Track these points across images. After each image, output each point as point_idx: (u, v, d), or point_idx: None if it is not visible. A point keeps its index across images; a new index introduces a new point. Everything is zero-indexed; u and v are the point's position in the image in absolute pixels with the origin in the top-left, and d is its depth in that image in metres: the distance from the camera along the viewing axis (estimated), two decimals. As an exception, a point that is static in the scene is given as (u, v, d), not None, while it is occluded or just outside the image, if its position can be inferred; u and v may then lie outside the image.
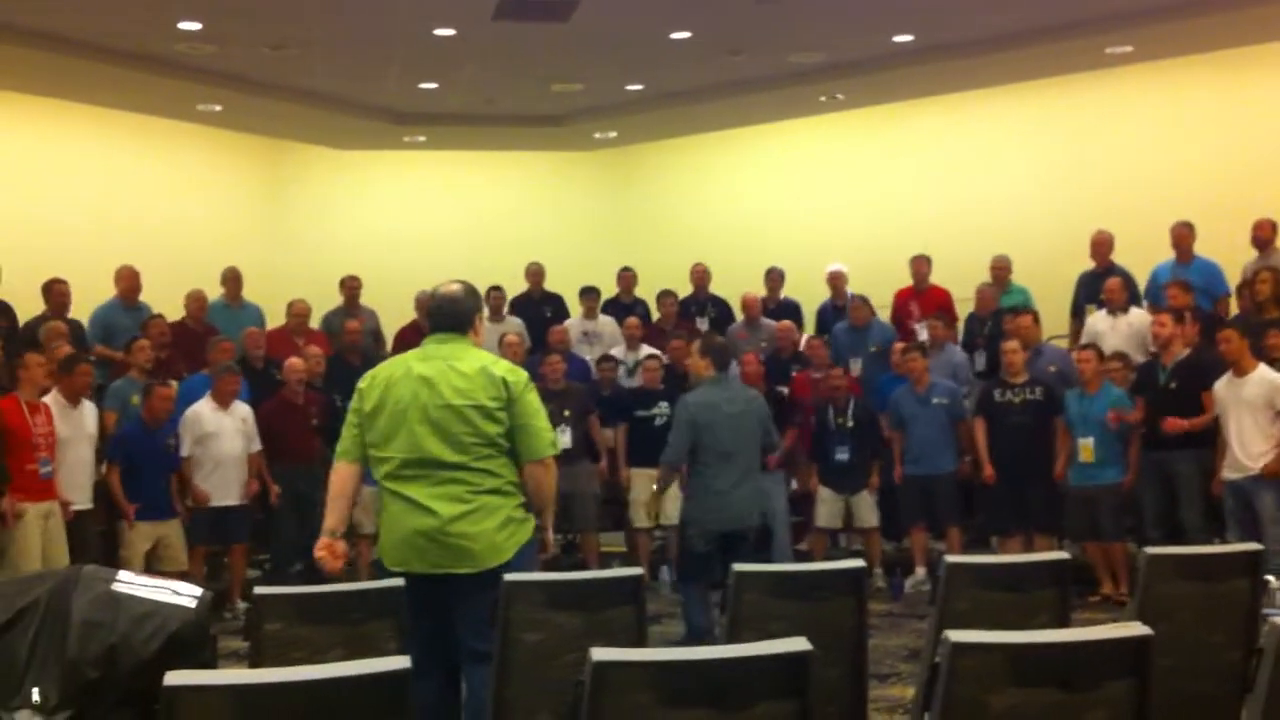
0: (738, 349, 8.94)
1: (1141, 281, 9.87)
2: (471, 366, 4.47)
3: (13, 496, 7.31)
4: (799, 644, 3.07)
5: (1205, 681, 4.42)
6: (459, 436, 4.40)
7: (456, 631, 4.43)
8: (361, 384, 4.59)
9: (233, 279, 10.75)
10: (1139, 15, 10.96)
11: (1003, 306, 10.03)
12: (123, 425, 8.52)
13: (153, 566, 8.10)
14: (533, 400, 4.55)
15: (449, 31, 10.94)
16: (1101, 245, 9.97)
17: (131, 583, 3.79)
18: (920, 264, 10.77)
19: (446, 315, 4.61)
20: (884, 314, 10.79)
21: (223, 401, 8.64)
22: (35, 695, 3.57)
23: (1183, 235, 9.64)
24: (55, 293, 9.50)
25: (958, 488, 9.00)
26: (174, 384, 8.97)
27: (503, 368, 4.54)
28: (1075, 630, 3.59)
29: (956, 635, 3.12)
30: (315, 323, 10.94)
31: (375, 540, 9.06)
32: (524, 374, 4.60)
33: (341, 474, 4.60)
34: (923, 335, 10.00)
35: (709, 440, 6.65)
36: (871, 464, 9.16)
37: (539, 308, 11.42)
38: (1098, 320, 9.54)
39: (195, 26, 10.57)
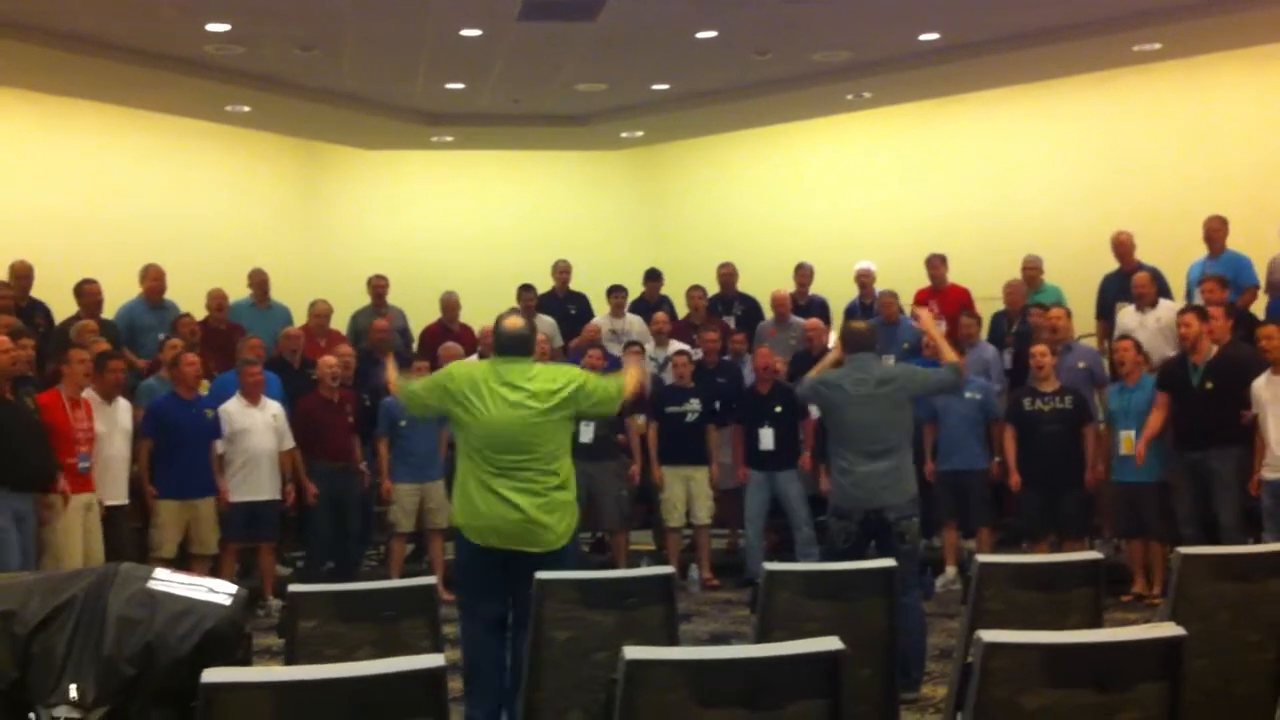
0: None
1: (1174, 279, 9.79)
2: (540, 385, 5.30)
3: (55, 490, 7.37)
4: (831, 644, 3.09)
5: (1239, 681, 4.40)
6: (531, 444, 5.21)
7: (516, 600, 5.12)
8: (451, 379, 5.38)
9: (259, 280, 10.79)
10: (1167, 12, 10.89)
11: (1032, 304, 9.97)
12: (154, 399, 8.51)
13: (182, 549, 8.13)
14: (589, 383, 5.41)
15: (475, 32, 10.97)
16: (1122, 245, 9.91)
17: (168, 580, 3.83)
18: (936, 264, 10.73)
19: (517, 345, 5.41)
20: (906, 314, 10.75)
21: (251, 396, 8.66)
22: (73, 692, 3.60)
23: (1215, 229, 9.55)
24: (87, 293, 9.56)
25: (989, 487, 8.96)
26: (204, 382, 9.02)
27: (560, 380, 5.35)
28: (1108, 631, 3.58)
29: (989, 635, 3.12)
30: (341, 322, 10.98)
31: (410, 538, 9.23)
32: (576, 374, 5.45)
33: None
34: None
35: (833, 421, 6.61)
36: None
37: (564, 306, 11.44)
38: (1127, 316, 9.48)
39: (224, 28, 10.63)
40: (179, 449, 8.24)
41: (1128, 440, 8.38)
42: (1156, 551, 8.34)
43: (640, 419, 9.47)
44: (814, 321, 10.24)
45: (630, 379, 5.62)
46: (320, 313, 10.46)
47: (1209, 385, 8.15)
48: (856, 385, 6.52)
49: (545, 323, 10.74)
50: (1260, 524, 7.87)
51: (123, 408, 8.13)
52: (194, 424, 8.34)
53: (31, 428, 7.25)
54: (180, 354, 8.51)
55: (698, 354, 10.05)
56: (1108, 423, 8.58)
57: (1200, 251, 9.67)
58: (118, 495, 7.94)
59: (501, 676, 5.24)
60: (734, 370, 10.07)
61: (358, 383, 9.42)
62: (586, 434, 9.09)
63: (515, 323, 5.47)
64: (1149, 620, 7.19)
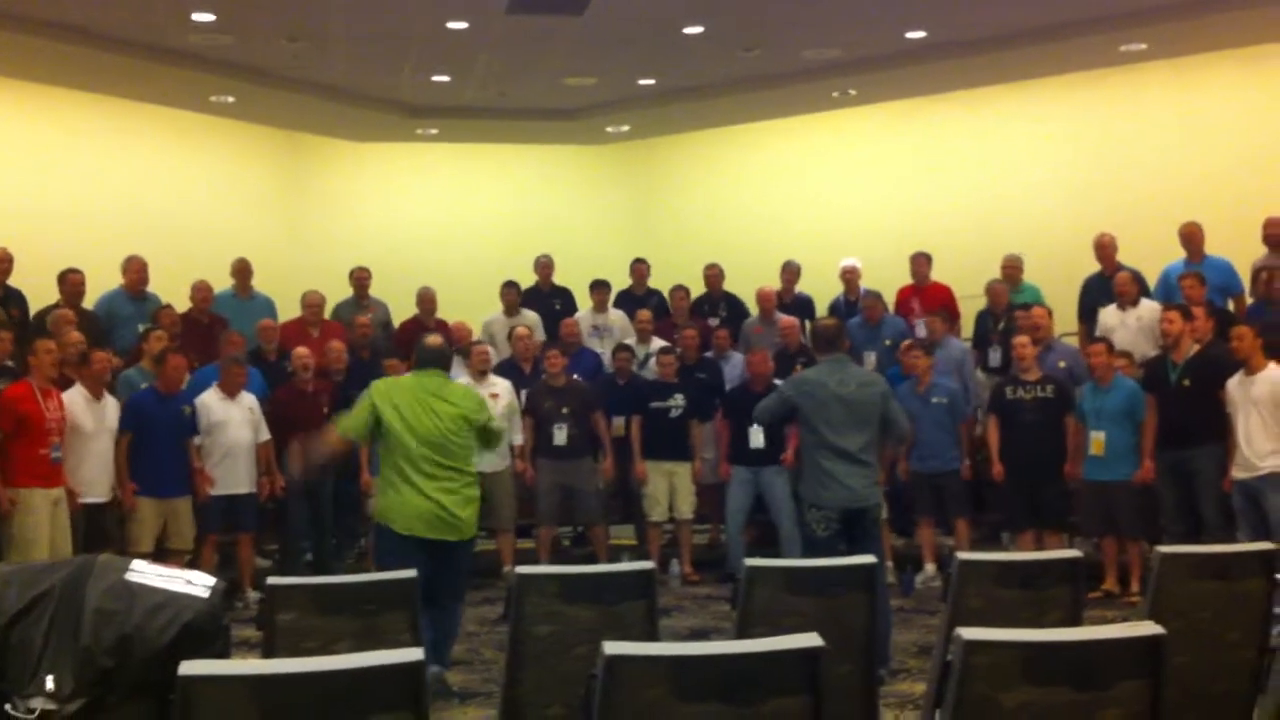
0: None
1: (1153, 281, 9.82)
2: (456, 394, 6.29)
3: (22, 481, 7.31)
4: (811, 640, 3.08)
5: (1219, 680, 4.41)
6: (450, 445, 6.11)
7: (442, 579, 5.96)
8: (376, 395, 6.14)
9: (242, 270, 10.73)
10: (1153, 12, 10.93)
11: (1014, 304, 10.00)
12: (134, 394, 8.46)
13: (159, 544, 8.10)
14: (489, 418, 6.46)
15: (462, 25, 10.94)
16: (1105, 248, 9.94)
17: (145, 572, 3.80)
18: (920, 262, 10.76)
19: (435, 358, 6.32)
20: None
21: (230, 392, 8.65)
22: (49, 683, 3.58)
23: (1192, 234, 9.60)
24: (69, 283, 9.50)
25: (965, 484, 8.99)
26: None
27: (474, 396, 6.50)
28: (1088, 629, 3.58)
29: (969, 633, 3.12)
30: (328, 314, 10.93)
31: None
32: (485, 407, 6.50)
33: (339, 441, 6.35)
34: (922, 332, 9.99)
35: (816, 420, 6.61)
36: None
37: (548, 301, 11.38)
38: (1108, 315, 9.51)
39: (209, 18, 10.59)
40: (157, 445, 8.20)
41: (1097, 442, 8.40)
42: (1132, 549, 8.37)
43: (619, 420, 9.49)
44: (788, 319, 10.25)
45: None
46: (312, 303, 10.39)
47: (1186, 383, 8.17)
48: (840, 385, 6.61)
49: (529, 318, 10.72)
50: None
51: (110, 404, 8.10)
52: (172, 420, 8.32)
53: None
54: (168, 352, 8.46)
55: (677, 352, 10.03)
56: (1079, 422, 8.60)
57: (1182, 252, 9.70)
58: (104, 492, 7.92)
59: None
60: (714, 367, 10.06)
61: (347, 378, 9.38)
62: (560, 436, 9.14)
63: (436, 340, 6.47)
64: (1128, 618, 7.23)
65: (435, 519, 6.02)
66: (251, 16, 10.67)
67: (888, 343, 10.09)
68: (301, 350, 9.15)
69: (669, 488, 9.39)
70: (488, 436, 6.38)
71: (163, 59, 11.60)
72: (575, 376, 9.68)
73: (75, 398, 7.80)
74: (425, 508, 6.01)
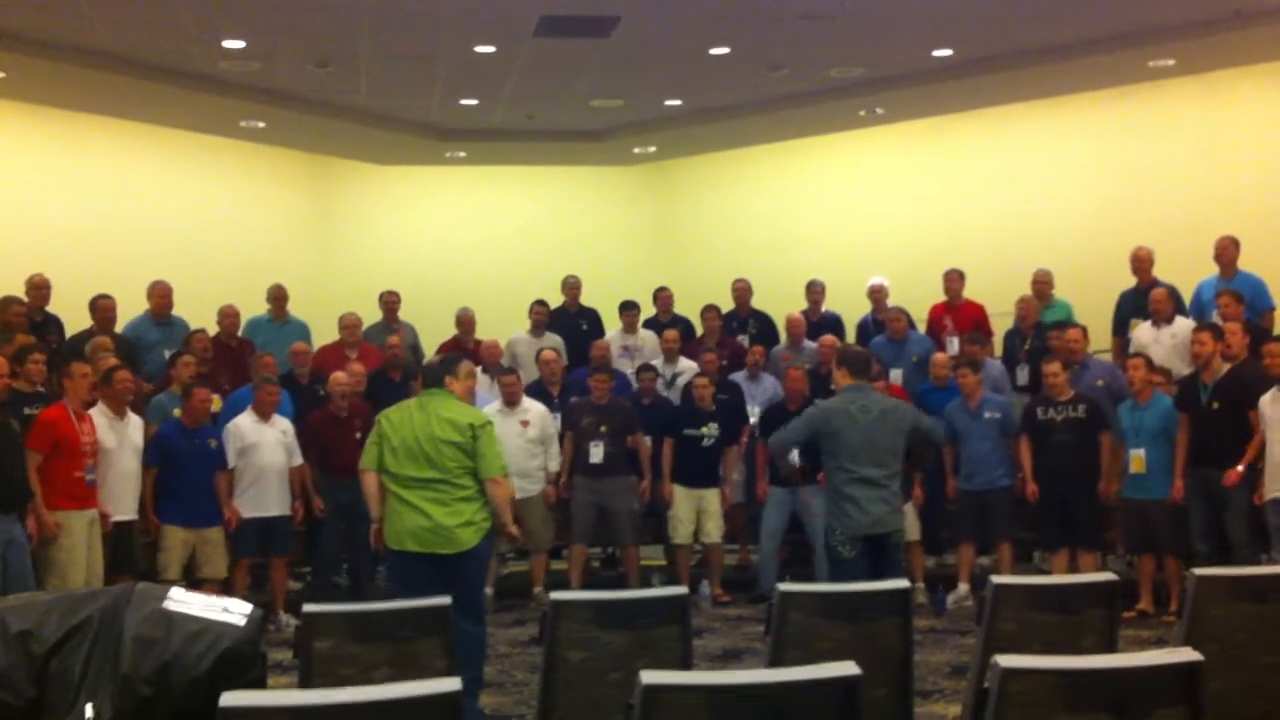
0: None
1: (1187, 295, 9.77)
2: (451, 414, 6.26)
3: (59, 504, 7.34)
4: (848, 668, 3.08)
5: (1256, 703, 4.38)
6: (442, 462, 6.16)
7: (452, 596, 5.48)
8: (382, 420, 6.37)
9: (278, 295, 10.80)
10: (1181, 28, 10.91)
11: (1045, 321, 9.96)
12: (161, 427, 8.52)
13: (190, 574, 8.15)
14: (489, 435, 6.27)
15: (490, 49, 11.01)
16: (1142, 262, 9.89)
17: (183, 600, 3.84)
18: (953, 279, 10.72)
19: (434, 377, 6.47)
20: (920, 329, 10.76)
21: (263, 413, 8.69)
22: (89, 711, 3.62)
23: (1226, 249, 9.54)
24: (101, 308, 9.58)
25: (1012, 503, 8.94)
26: (215, 396, 9.02)
27: (469, 416, 6.32)
28: (1126, 656, 3.57)
29: (1006, 660, 3.11)
30: (360, 336, 11.00)
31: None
32: (485, 418, 6.46)
33: (371, 479, 6.37)
34: (953, 349, 9.95)
35: (838, 446, 6.65)
36: (913, 477, 9.03)
37: (574, 321, 11.41)
38: (1142, 332, 9.47)
39: (240, 44, 10.69)
40: (184, 479, 8.26)
41: (1138, 459, 8.37)
42: (1171, 568, 8.32)
43: (647, 440, 9.48)
44: (828, 338, 10.23)
45: (502, 492, 6.25)
46: (350, 325, 10.42)
47: (1215, 405, 8.13)
48: (862, 412, 6.63)
49: (553, 340, 10.75)
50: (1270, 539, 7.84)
51: (134, 423, 8.14)
52: (198, 453, 8.36)
53: (13, 450, 7.14)
54: (193, 386, 8.52)
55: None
56: (1120, 439, 8.56)
57: (1213, 268, 9.65)
58: (129, 510, 7.96)
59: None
60: (735, 388, 10.01)
61: (370, 399, 9.42)
62: (596, 454, 9.13)
63: (434, 361, 6.93)
64: (1162, 639, 7.19)
65: (422, 531, 6.10)
66: (281, 43, 10.77)
67: (915, 359, 10.07)
68: (340, 376, 9.19)
69: (696, 511, 9.36)
70: (480, 457, 6.17)
71: (194, 85, 11.72)
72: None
73: (97, 417, 7.84)
74: (412, 520, 6.11)
